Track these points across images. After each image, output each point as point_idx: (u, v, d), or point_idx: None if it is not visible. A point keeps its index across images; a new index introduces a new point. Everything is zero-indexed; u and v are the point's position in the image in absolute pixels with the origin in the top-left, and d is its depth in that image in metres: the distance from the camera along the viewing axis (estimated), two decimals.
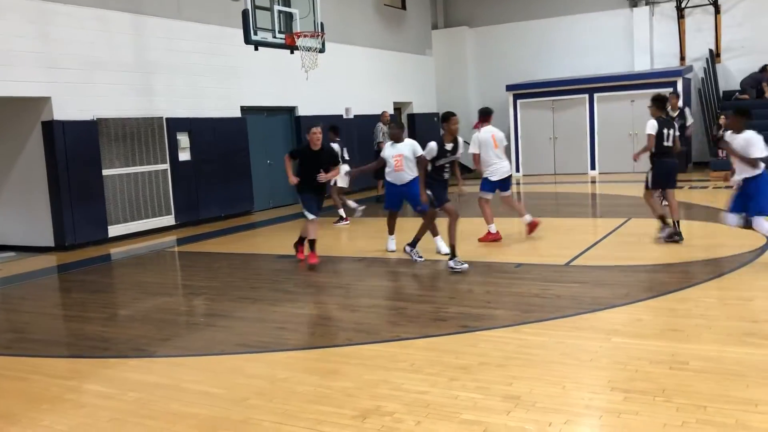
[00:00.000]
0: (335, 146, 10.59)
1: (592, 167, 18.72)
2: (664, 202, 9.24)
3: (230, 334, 5.95)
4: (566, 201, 14.39)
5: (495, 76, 21.27)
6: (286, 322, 6.21)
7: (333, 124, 12.62)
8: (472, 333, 5.44)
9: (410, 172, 8.71)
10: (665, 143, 8.63)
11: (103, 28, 11.64)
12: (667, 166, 8.66)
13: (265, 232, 12.22)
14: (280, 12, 11.76)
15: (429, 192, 7.79)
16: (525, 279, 7.19)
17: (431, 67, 21.90)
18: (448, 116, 7.92)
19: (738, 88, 18.32)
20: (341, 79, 17.12)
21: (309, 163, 8.49)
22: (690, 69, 18.82)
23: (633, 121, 17.89)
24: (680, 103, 10.55)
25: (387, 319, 6.12)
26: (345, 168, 11.43)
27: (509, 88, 19.81)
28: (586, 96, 18.67)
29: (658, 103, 8.81)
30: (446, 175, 7.96)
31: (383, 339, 5.46)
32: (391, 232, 9.23)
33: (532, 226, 9.51)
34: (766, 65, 17.89)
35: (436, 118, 21.28)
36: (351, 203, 12.69)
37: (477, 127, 10.23)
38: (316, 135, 8.41)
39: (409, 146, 8.84)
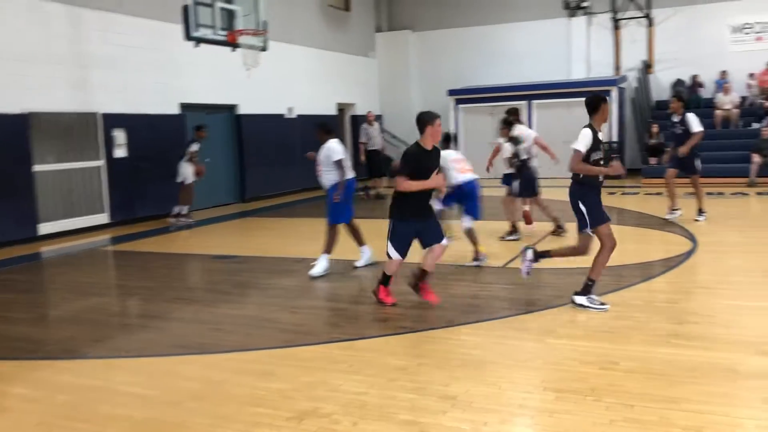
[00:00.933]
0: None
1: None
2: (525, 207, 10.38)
3: (165, 336, 5.84)
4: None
5: (437, 80, 21.50)
6: (223, 323, 6.12)
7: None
8: (412, 334, 5.49)
9: (326, 178, 7.85)
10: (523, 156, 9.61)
11: (37, 19, 11.23)
12: (531, 176, 9.77)
13: (202, 232, 12.01)
14: (222, 9, 11.62)
15: None
16: (464, 280, 7.30)
17: (374, 70, 21.99)
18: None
19: (667, 98, 19.04)
20: (284, 79, 17.01)
21: (424, 171, 6.11)
22: (624, 79, 19.46)
23: (570, 127, 18.32)
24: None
25: (327, 321, 6.11)
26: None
27: (451, 92, 20.08)
28: (525, 102, 19.05)
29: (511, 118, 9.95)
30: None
31: (322, 340, 5.45)
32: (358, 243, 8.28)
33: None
34: (695, 75, 18.72)
35: (377, 122, 21.35)
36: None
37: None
38: (439, 127, 6.31)
39: (323, 150, 7.86)
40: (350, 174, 7.87)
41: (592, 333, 5.33)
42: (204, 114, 15.01)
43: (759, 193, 13.99)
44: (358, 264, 8.16)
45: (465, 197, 8.22)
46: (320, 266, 7.79)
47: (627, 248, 8.93)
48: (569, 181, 6.21)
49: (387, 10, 22.91)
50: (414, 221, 6.16)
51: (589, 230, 6.02)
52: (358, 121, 20.58)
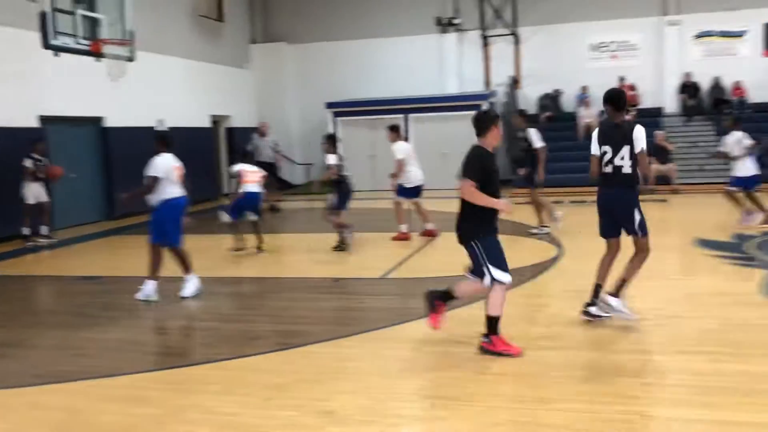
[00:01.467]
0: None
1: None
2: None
3: (24, 365, 5.39)
4: (385, 216, 14.77)
5: (315, 93, 21.47)
6: (88, 348, 5.74)
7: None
8: (289, 350, 5.38)
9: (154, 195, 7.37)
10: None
11: None
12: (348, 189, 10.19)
13: (65, 253, 11.26)
14: (84, 17, 11.02)
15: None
16: (342, 293, 7.27)
17: (250, 81, 21.63)
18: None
19: (535, 111, 20.08)
20: (154, 90, 16.33)
21: (494, 177, 5.38)
22: (494, 93, 20.30)
23: (445, 140, 18.90)
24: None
25: (199, 341, 5.88)
26: None
27: (329, 105, 20.12)
28: (402, 116, 19.42)
29: (330, 140, 10.56)
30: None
31: (195, 362, 5.23)
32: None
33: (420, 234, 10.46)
34: (557, 89, 19.89)
35: (253, 132, 21.00)
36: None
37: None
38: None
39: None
40: (177, 192, 7.30)
41: (467, 339, 5.43)
42: (67, 127, 14.16)
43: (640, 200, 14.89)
44: (183, 294, 7.21)
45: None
46: (147, 290, 7.13)
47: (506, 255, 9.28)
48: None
49: (262, 22, 22.65)
50: (496, 235, 5.22)
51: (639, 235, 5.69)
52: (234, 133, 20.18)
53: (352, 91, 21.25)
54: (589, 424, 3.81)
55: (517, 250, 9.43)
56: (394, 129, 10.81)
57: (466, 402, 4.15)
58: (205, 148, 18.69)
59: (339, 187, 10.08)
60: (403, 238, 10.58)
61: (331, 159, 10.05)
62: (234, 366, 5.09)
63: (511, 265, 8.20)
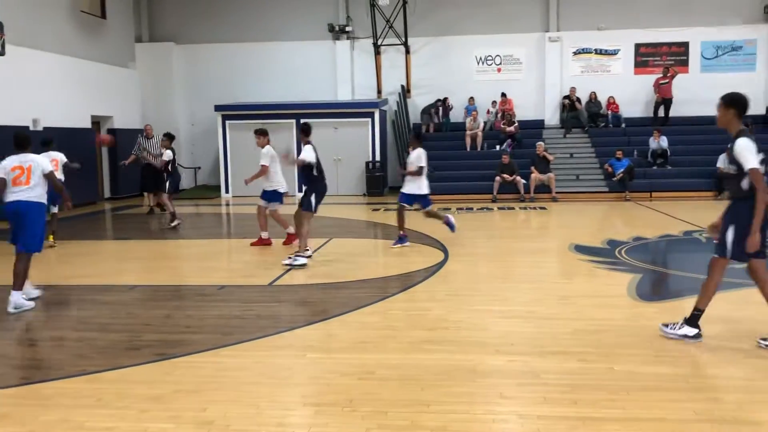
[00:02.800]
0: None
1: (299, 189, 19.32)
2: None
3: None
4: (274, 222, 14.62)
5: (204, 95, 20.98)
6: None
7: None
8: (168, 360, 5.20)
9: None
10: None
11: None
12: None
13: None
14: None
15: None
16: (227, 301, 7.11)
17: (135, 81, 20.81)
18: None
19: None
20: (28, 87, 15.40)
21: None
22: (386, 102, 20.59)
23: (336, 146, 18.96)
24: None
25: (73, 353, 5.55)
26: None
27: (218, 108, 19.70)
28: (294, 121, 19.31)
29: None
30: None
31: (66, 375, 4.94)
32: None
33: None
34: (444, 98, 20.42)
35: (140, 135, 20.20)
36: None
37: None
38: None
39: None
40: (10, 197, 6.83)
41: (351, 345, 5.48)
42: None
43: (500, 208, 15.55)
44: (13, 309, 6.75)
45: None
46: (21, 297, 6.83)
47: (389, 261, 9.42)
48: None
49: (147, 21, 21.89)
50: None
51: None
52: (116, 134, 19.32)
53: (242, 94, 20.94)
54: (466, 425, 3.92)
55: (408, 255, 9.62)
56: (262, 133, 10.66)
57: (349, 408, 4.16)
58: (84, 149, 17.77)
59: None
60: (264, 243, 10.62)
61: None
62: (109, 378, 4.86)
63: (398, 270, 8.36)
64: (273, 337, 5.72)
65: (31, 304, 6.96)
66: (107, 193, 19.43)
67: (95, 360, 5.29)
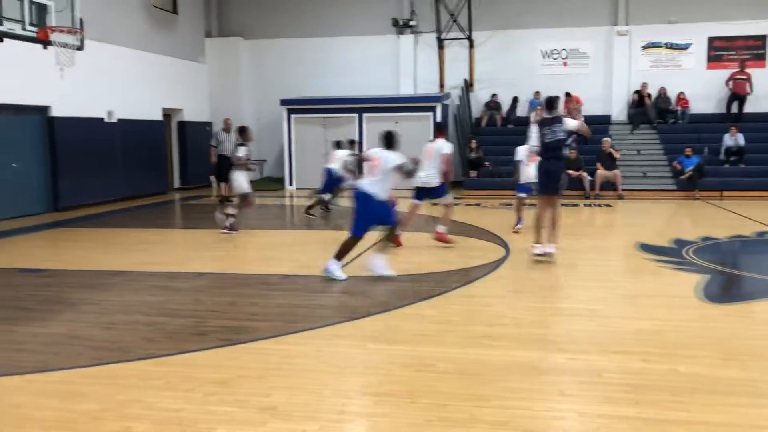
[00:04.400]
0: None
1: None
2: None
3: None
4: (335, 215, 14.82)
5: (269, 89, 21.37)
6: (26, 342, 5.61)
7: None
8: (234, 346, 5.37)
9: None
10: None
11: None
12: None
13: (7, 244, 10.96)
14: (32, 2, 10.72)
15: None
16: (291, 290, 7.27)
17: (204, 75, 21.36)
18: None
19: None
20: (103, 81, 16.02)
21: None
22: (448, 96, 20.52)
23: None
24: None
25: (143, 336, 5.80)
26: None
27: (283, 102, 20.04)
28: (356, 115, 19.49)
29: None
30: None
31: (137, 357, 5.16)
32: None
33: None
34: (494, 95, 20.17)
35: (208, 128, 20.80)
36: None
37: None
38: None
39: None
40: None
41: (411, 337, 5.53)
42: (11, 115, 13.78)
43: (564, 204, 15.16)
44: None
45: None
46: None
47: (449, 256, 9.43)
48: None
49: (217, 16, 22.42)
50: None
51: None
52: (186, 127, 19.92)
53: (307, 88, 21.23)
54: (526, 421, 3.93)
55: (469, 250, 9.61)
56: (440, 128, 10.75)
57: (408, 399, 4.22)
58: (155, 141, 18.40)
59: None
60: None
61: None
62: (177, 362, 5.06)
63: (458, 265, 8.37)
64: (335, 327, 5.83)
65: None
66: (177, 184, 20.04)
67: (163, 344, 5.51)
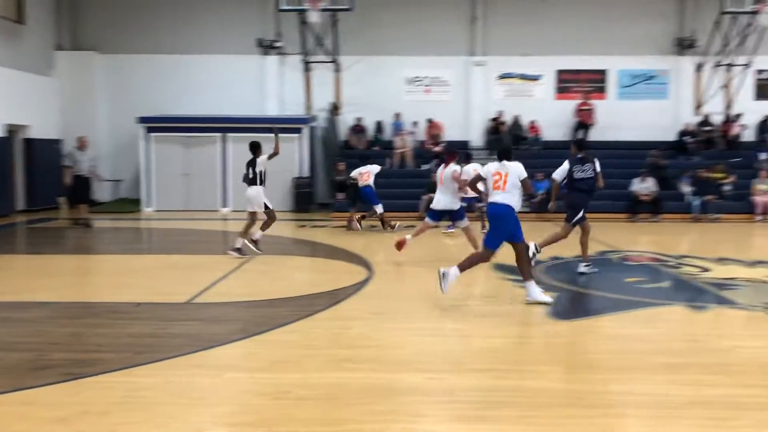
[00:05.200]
0: None
1: (224, 205, 19.09)
2: None
3: None
4: (196, 238, 14.36)
5: (127, 106, 20.42)
6: None
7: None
8: (77, 381, 5.00)
9: None
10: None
11: None
12: None
13: None
14: None
15: None
16: (143, 319, 6.92)
17: (54, 90, 20.09)
18: None
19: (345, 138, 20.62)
20: None
21: None
22: (315, 118, 20.58)
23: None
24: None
25: None
26: None
27: (141, 120, 19.21)
28: (219, 135, 19.06)
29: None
30: None
31: None
32: None
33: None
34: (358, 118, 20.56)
35: (56, 145, 19.53)
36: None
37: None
38: None
39: None
40: None
41: (269, 364, 5.42)
42: None
43: (450, 227, 15.51)
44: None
45: None
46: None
47: (315, 278, 9.39)
48: None
49: (69, 28, 21.20)
50: None
51: None
52: (33, 144, 18.61)
53: (167, 106, 20.52)
54: None
55: (335, 273, 9.61)
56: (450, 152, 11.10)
57: (262, 428, 4.12)
58: None
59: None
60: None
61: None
62: (12, 400, 4.64)
63: (323, 288, 8.34)
64: (189, 356, 5.59)
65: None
66: (21, 205, 18.60)
67: None
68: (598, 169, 9.77)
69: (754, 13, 18.78)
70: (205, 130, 19.17)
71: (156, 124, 19.28)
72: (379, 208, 14.27)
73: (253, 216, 11.00)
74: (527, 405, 4.52)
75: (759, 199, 17.20)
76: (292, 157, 19.07)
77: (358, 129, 20.75)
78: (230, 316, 7.08)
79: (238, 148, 19.00)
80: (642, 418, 4.40)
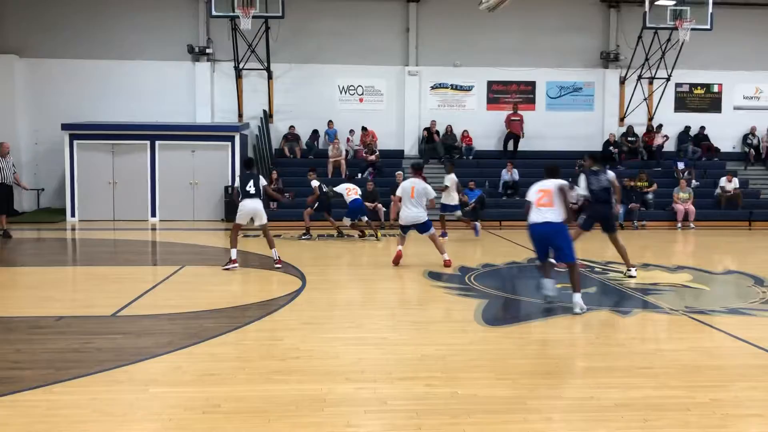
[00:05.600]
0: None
1: (153, 214, 18.58)
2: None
3: None
4: (123, 248, 13.91)
5: (50, 112, 19.68)
6: None
7: None
8: None
9: None
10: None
11: None
12: None
13: None
14: None
15: None
16: (65, 333, 6.64)
17: None
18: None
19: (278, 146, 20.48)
20: None
21: None
22: (247, 126, 20.32)
23: (194, 170, 18.46)
24: None
25: None
26: None
27: (65, 127, 18.50)
28: (148, 142, 18.57)
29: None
30: None
31: None
32: None
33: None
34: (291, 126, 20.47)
35: None
36: None
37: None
38: None
39: None
40: None
41: (197, 378, 5.28)
42: None
43: (382, 236, 15.49)
44: None
45: None
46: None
47: (246, 289, 9.24)
48: None
49: None
50: None
51: None
52: None
53: (93, 113, 19.89)
54: None
55: (267, 283, 9.48)
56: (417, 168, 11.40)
57: None
58: None
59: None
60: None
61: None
62: None
63: (255, 298, 8.21)
64: (113, 371, 5.39)
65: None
66: None
67: None
68: (613, 179, 10.09)
69: (674, 29, 19.62)
70: (134, 138, 18.65)
71: (81, 131, 18.60)
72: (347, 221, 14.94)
73: (265, 228, 10.71)
74: (460, 412, 4.55)
75: (679, 207, 17.94)
76: (223, 166, 18.75)
77: (290, 137, 20.61)
78: (158, 328, 6.87)
79: (167, 155, 18.59)
80: (570, 421, 4.49)
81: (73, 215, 18.37)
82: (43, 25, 20.20)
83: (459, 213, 15.20)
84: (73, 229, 17.14)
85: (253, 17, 18.37)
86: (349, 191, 14.99)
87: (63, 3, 20.25)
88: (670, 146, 21.55)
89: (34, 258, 12.45)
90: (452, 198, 14.91)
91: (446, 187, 14.86)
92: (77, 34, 20.25)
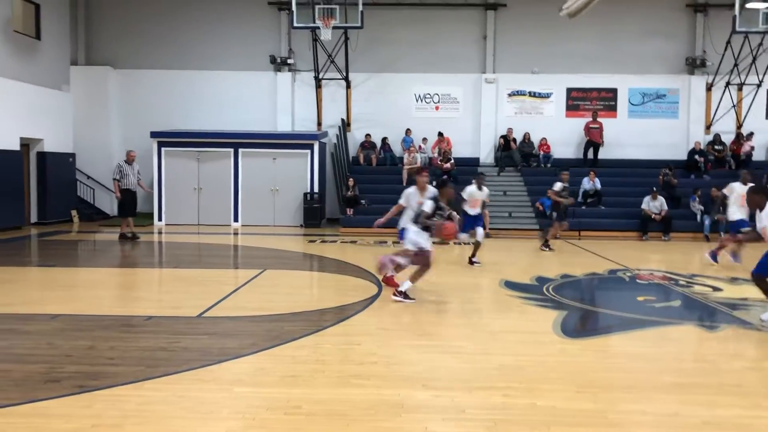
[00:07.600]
0: None
1: (236, 219, 19.18)
2: None
3: None
4: (207, 252, 14.44)
5: (140, 121, 20.65)
6: None
7: None
8: (89, 393, 5.04)
9: None
10: None
11: None
12: None
13: None
14: None
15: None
16: (154, 332, 6.95)
17: (68, 104, 20.32)
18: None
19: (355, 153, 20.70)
20: None
21: None
22: (325, 134, 20.71)
23: (275, 177, 18.95)
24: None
25: None
26: None
27: (154, 135, 19.39)
28: (232, 150, 19.20)
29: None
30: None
31: None
32: None
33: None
34: (384, 138, 20.61)
35: (71, 159, 19.78)
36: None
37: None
38: None
39: None
40: None
41: (279, 379, 5.44)
42: None
43: (435, 242, 15.52)
44: None
45: None
46: None
47: (324, 294, 9.41)
48: None
49: (85, 44, 21.48)
50: None
51: None
52: (46, 157, 18.81)
53: (180, 122, 20.73)
54: None
55: (344, 288, 9.63)
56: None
57: None
58: (11, 172, 17.20)
59: None
60: None
61: None
62: (24, 412, 4.67)
63: (332, 303, 8.37)
64: (199, 371, 5.62)
65: None
66: (34, 218, 18.77)
67: (9, 393, 5.08)
68: None
69: (766, 33, 18.77)
70: (218, 145, 19.33)
71: (169, 139, 19.45)
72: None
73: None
74: (538, 423, 4.51)
75: None
76: (302, 173, 19.19)
77: (367, 145, 20.84)
78: (241, 329, 7.10)
79: (250, 162, 19.17)
80: None
81: (160, 219, 19.21)
82: (134, 37, 21.23)
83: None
84: (161, 233, 17.89)
85: (333, 28, 18.72)
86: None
87: (153, 17, 21.22)
88: (760, 155, 20.60)
89: (125, 260, 13.05)
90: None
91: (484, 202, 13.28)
92: (166, 45, 21.19)
